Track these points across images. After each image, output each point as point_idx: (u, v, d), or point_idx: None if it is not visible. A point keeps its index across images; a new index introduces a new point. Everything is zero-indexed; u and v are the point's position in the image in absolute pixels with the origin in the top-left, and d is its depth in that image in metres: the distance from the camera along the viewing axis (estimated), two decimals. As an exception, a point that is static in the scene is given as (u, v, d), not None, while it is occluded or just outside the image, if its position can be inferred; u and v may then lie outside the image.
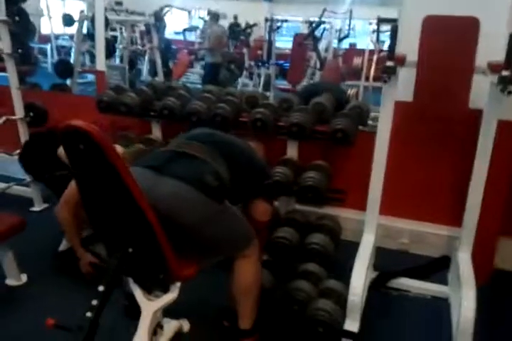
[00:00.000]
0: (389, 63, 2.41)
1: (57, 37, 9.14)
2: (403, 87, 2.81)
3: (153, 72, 6.14)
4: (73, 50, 6.81)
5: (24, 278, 2.59)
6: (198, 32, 8.66)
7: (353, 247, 2.58)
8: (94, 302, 1.68)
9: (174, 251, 1.72)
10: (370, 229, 2.66)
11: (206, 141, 2.02)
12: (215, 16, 6.99)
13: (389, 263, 2.91)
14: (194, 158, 1.92)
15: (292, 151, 3.15)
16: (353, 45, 11.45)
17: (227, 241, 1.97)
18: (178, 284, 1.85)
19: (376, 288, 2.70)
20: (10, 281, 2.54)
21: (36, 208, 3.50)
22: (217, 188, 1.86)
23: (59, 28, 8.69)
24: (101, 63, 3.71)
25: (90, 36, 6.49)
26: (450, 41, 2.58)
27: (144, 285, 1.88)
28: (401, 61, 2.42)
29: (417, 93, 2.91)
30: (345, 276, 2.34)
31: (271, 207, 2.24)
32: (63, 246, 2.73)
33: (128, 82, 4.19)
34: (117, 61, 5.48)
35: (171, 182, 1.81)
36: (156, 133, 3.43)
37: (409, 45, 2.87)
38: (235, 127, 3.10)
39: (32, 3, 10.64)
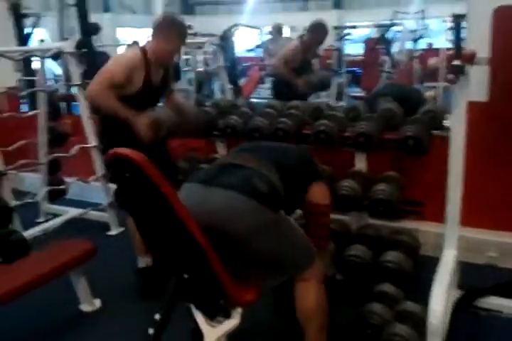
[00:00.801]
0: (456, 62, 2.23)
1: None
2: (476, 85, 2.60)
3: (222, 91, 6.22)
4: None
5: (98, 303, 2.63)
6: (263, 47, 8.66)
7: (435, 263, 2.38)
8: (151, 331, 1.66)
9: (231, 276, 1.66)
10: (450, 242, 2.45)
11: (254, 150, 2.00)
12: (278, 29, 6.95)
13: (475, 279, 2.66)
14: (242, 167, 1.85)
15: (360, 163, 3.00)
16: (430, 45, 10.99)
17: (285, 257, 1.84)
18: (240, 309, 1.78)
19: (462, 309, 2.46)
20: (84, 307, 2.59)
21: (113, 232, 3.59)
22: (270, 194, 1.77)
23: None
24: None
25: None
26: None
27: (205, 311, 1.83)
28: (470, 59, 2.23)
29: (493, 91, 2.68)
30: (426, 296, 2.15)
31: (328, 189, 2.08)
32: (142, 262, 2.74)
33: (195, 103, 4.22)
34: (185, 83, 5.59)
35: (220, 192, 1.75)
36: (222, 152, 3.41)
37: (480, 40, 2.65)
38: (299, 141, 3.02)
39: (108, 34, 11.32)
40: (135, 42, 2.64)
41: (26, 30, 6.05)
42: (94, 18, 8.77)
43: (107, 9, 13.61)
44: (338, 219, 2.94)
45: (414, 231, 2.87)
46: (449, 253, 2.41)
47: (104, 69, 2.52)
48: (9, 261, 2.64)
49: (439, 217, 2.58)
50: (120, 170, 1.58)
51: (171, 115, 2.90)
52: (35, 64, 5.75)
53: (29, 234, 3.19)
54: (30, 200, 3.45)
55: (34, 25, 6.12)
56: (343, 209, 2.85)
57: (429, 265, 2.48)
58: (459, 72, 2.23)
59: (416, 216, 2.83)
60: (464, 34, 3.02)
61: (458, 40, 2.27)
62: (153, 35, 2.57)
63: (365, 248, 2.60)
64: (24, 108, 5.05)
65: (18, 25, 5.56)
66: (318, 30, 4.23)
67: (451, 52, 6.09)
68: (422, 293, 2.22)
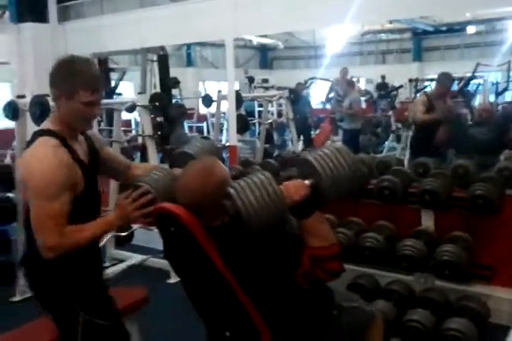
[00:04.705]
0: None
1: (212, 115, 9.91)
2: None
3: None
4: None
5: (151, 353, 2.60)
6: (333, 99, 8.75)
7: (507, 333, 2.19)
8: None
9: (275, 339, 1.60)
10: (524, 312, 2.23)
11: None
12: (351, 83, 7.03)
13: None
14: None
15: (427, 221, 2.85)
16: (516, 98, 10.54)
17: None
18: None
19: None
20: (135, 357, 2.57)
21: (172, 280, 3.59)
22: None
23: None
24: (232, 138, 3.87)
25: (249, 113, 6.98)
26: None
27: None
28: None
29: None
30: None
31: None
32: None
33: (262, 155, 4.28)
34: (254, 135, 5.72)
35: None
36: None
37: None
38: (361, 196, 2.93)
39: (190, 87, 11.93)
40: (38, 133, 1.72)
41: (113, 84, 6.56)
42: (178, 72, 9.37)
43: (190, 64, 14.47)
44: (401, 280, 2.78)
45: (485, 296, 2.64)
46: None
47: (40, 207, 1.62)
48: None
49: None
50: (166, 223, 1.60)
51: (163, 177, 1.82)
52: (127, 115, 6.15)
53: (91, 279, 3.27)
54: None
55: (120, 79, 6.62)
56: (406, 269, 2.71)
57: (500, 334, 2.28)
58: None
59: (486, 281, 2.61)
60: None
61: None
62: (53, 95, 1.71)
63: (428, 313, 2.43)
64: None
65: (105, 79, 6.02)
66: (440, 81, 4.48)
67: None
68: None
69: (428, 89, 8.39)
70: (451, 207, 2.73)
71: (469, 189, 2.67)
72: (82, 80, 1.65)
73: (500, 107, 8.66)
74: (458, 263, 2.49)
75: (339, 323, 1.72)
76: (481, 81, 8.93)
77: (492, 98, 9.66)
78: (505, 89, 10.04)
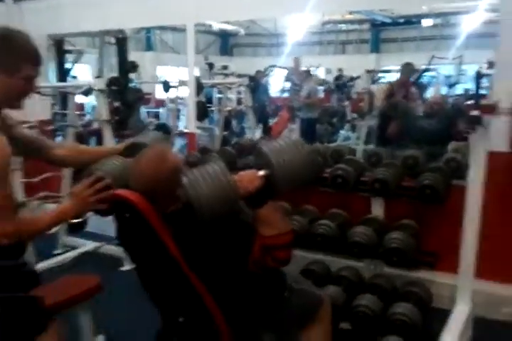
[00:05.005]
0: (474, 112, 2.22)
1: (172, 101, 9.78)
2: (498, 135, 2.55)
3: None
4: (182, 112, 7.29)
5: (101, 340, 2.60)
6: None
7: (448, 316, 2.31)
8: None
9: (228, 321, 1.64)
10: (463, 296, 2.37)
11: None
12: (307, 72, 7.10)
13: (492, 337, 2.53)
14: None
15: (377, 209, 2.95)
16: (466, 91, 10.89)
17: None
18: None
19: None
20: (86, 344, 2.56)
21: (126, 267, 3.57)
22: None
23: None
24: (191, 126, 3.85)
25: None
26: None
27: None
28: (489, 110, 2.21)
29: (513, 142, 2.63)
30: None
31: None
32: None
33: (220, 142, 4.29)
34: (213, 122, 5.70)
35: None
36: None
37: (506, 90, 2.63)
38: (316, 184, 3.00)
39: (149, 71, 11.74)
40: None
41: (68, 66, 6.38)
42: (136, 56, 9.19)
43: (149, 48, 14.23)
44: (352, 266, 2.87)
45: (429, 282, 2.76)
46: (461, 307, 2.33)
47: None
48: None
49: (454, 268, 2.50)
50: (121, 210, 1.61)
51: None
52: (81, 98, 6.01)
53: (43, 266, 3.22)
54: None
55: (75, 61, 6.46)
56: (356, 256, 2.79)
57: (441, 318, 2.40)
58: (475, 123, 2.21)
59: (430, 267, 2.73)
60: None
61: (477, 91, 2.25)
62: None
63: (376, 298, 2.52)
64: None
65: (60, 61, 5.86)
66: (402, 71, 4.85)
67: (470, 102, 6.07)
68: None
69: (383, 80, 8.61)
70: (400, 195, 2.82)
71: (418, 179, 2.77)
72: (24, 53, 1.55)
73: (451, 100, 8.94)
74: (405, 251, 2.59)
75: (290, 305, 1.78)
76: (434, 73, 9.18)
77: (444, 90, 9.97)
78: (457, 82, 10.37)
